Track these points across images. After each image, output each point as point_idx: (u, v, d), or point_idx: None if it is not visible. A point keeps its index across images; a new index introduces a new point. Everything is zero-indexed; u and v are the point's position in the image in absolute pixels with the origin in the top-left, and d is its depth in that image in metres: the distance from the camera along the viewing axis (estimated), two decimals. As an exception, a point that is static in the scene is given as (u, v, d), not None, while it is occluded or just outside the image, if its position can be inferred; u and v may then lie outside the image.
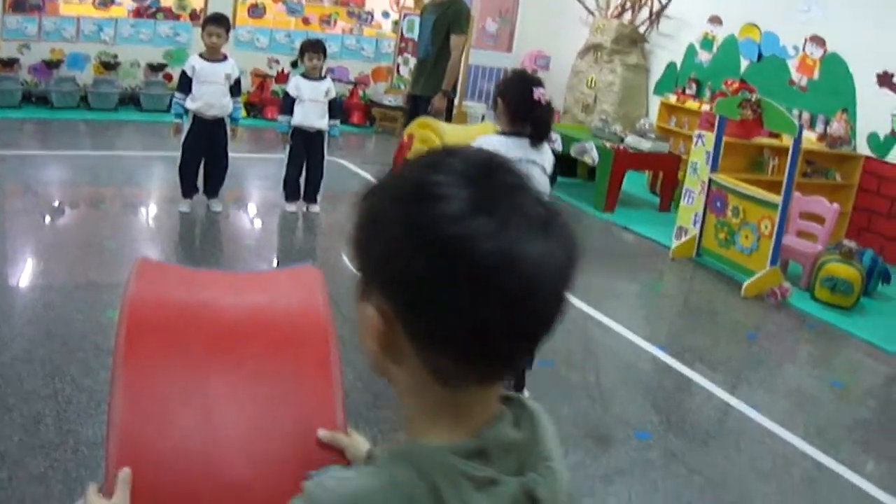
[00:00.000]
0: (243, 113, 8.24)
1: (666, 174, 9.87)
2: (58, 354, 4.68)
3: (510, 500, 1.03)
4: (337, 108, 7.79)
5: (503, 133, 4.27)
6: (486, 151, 1.08)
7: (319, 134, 7.53)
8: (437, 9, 8.28)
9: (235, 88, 7.39)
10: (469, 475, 1.02)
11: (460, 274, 0.96)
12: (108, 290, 5.68)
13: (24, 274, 6.00)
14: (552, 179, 4.45)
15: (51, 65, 12.96)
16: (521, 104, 4.20)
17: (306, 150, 7.56)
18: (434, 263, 0.97)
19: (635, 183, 10.69)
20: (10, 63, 12.65)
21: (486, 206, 0.98)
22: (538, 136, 4.25)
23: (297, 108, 7.39)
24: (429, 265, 0.97)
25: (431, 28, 8.28)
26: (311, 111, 7.38)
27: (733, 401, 4.95)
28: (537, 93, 4.18)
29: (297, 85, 7.45)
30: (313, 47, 7.53)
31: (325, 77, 7.60)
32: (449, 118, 8.34)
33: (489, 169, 1.04)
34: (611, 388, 5.01)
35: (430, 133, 7.06)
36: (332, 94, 7.55)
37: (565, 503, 1.10)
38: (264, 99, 13.17)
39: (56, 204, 7.83)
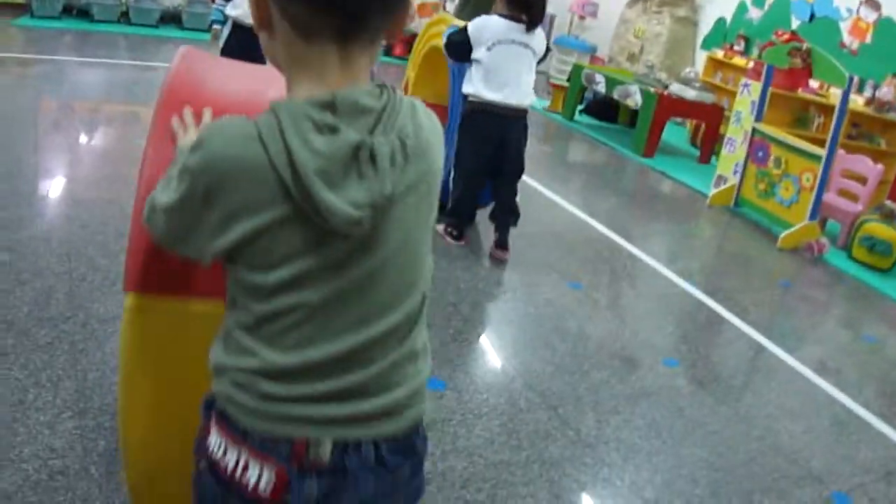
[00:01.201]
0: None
1: (708, 126, 9.69)
2: (76, 236, 4.62)
3: (348, 149, 1.26)
4: None
5: (502, 15, 4.96)
6: None
7: None
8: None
9: None
10: (312, 118, 1.26)
11: None
12: (134, 183, 5.58)
13: (51, 162, 5.94)
14: (541, 59, 5.23)
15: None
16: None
17: None
18: None
19: (676, 135, 10.58)
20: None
21: None
22: (532, 22, 4.94)
23: None
24: None
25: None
26: None
27: (764, 341, 4.83)
28: None
29: None
30: None
31: None
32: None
33: None
34: (640, 315, 4.90)
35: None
36: None
37: (421, 155, 1.36)
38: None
39: (88, 108, 7.76)
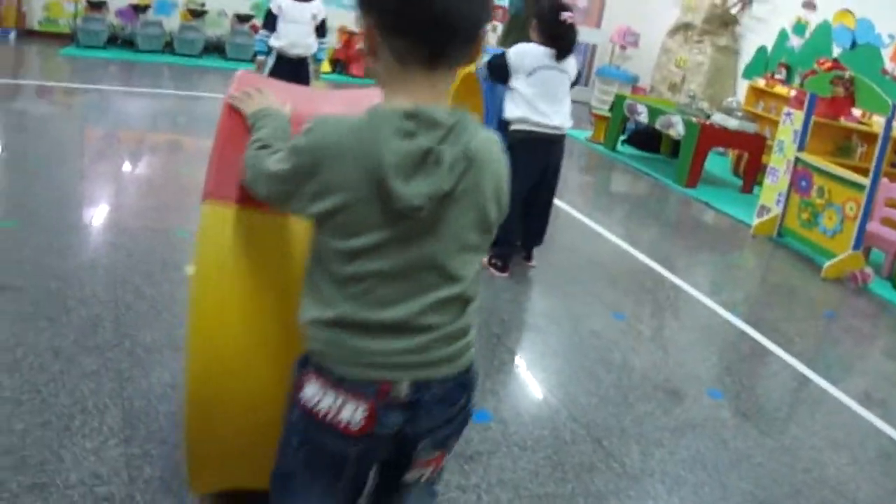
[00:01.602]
0: (327, 67, 8.20)
1: (751, 155, 9.68)
2: (122, 265, 4.73)
3: (420, 152, 1.66)
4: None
5: (539, 43, 5.32)
6: None
7: None
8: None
9: (320, 29, 7.36)
10: (397, 124, 1.66)
11: None
12: (179, 212, 5.74)
13: (96, 190, 6.09)
14: (574, 83, 5.55)
15: (138, 9, 13.11)
16: (551, 25, 5.30)
17: None
18: None
19: (719, 165, 10.56)
20: (98, 5, 12.83)
21: None
22: (563, 50, 5.34)
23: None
24: None
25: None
26: None
27: (809, 372, 4.82)
28: (564, 15, 5.29)
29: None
30: None
31: None
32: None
33: None
34: (684, 346, 4.91)
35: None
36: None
37: (477, 164, 1.75)
38: (350, 55, 13.13)
39: (134, 137, 7.90)
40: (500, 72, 5.39)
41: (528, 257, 5.82)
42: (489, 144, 1.81)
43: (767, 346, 5.08)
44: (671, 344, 4.91)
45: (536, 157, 5.41)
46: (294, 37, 7.18)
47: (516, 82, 5.32)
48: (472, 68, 5.81)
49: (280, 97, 2.30)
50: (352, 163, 1.67)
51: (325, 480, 1.89)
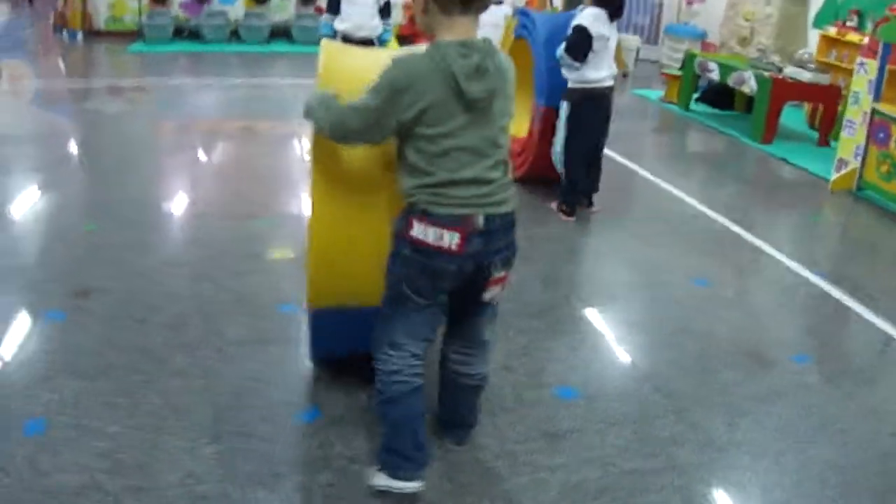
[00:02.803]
0: (395, 45, 8.26)
1: (826, 107, 9.53)
2: (203, 259, 4.90)
3: (474, 65, 2.64)
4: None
5: (595, 3, 5.81)
6: None
7: None
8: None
9: (385, 10, 7.40)
10: (457, 50, 2.64)
11: None
12: (256, 202, 5.88)
13: (175, 189, 6.24)
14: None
15: (202, 0, 13.25)
16: None
17: None
18: None
19: (794, 118, 10.42)
20: (162, 0, 13.01)
21: None
22: (618, 11, 5.91)
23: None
24: None
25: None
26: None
27: (893, 331, 4.79)
28: None
29: None
30: None
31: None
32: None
33: None
34: (768, 310, 4.91)
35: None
36: None
37: (503, 72, 2.78)
38: (415, 31, 13.14)
39: (207, 129, 8.04)
40: (582, 47, 5.72)
41: (591, 203, 6.32)
42: (507, 61, 2.86)
43: (851, 305, 5.06)
44: (754, 308, 4.91)
45: (599, 111, 5.95)
46: (358, 19, 7.23)
47: None
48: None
49: (357, 54, 3.67)
50: (432, 76, 2.65)
51: (429, 293, 2.86)
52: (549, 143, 6.20)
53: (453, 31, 2.69)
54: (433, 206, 2.72)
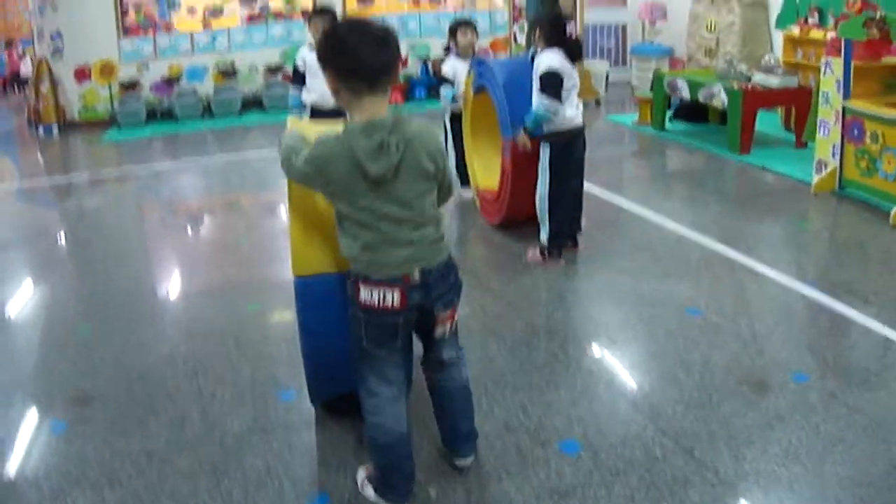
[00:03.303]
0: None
1: (798, 109, 9.56)
2: (200, 352, 4.89)
3: (377, 144, 2.92)
4: None
5: (557, 49, 5.81)
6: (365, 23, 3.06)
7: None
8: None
9: None
10: (362, 131, 2.94)
11: (345, 52, 2.95)
12: (245, 287, 5.90)
13: (165, 279, 6.29)
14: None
15: (171, 81, 13.45)
16: (560, 30, 5.96)
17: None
18: (337, 52, 2.98)
19: (769, 122, 10.46)
20: (132, 84, 13.25)
21: (355, 33, 2.98)
22: (575, 56, 5.93)
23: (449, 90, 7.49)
24: (335, 52, 2.98)
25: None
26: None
27: (890, 332, 4.78)
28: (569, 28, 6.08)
29: (453, 67, 7.47)
30: (466, 24, 7.64)
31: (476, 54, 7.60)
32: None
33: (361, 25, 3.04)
34: (763, 331, 4.88)
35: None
36: None
37: (410, 142, 3.02)
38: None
39: (191, 211, 8.07)
40: (556, 88, 5.77)
41: (576, 243, 6.36)
42: (420, 128, 3.10)
43: (845, 312, 5.05)
44: (749, 331, 4.89)
45: (577, 149, 6.01)
46: (323, 88, 7.22)
47: None
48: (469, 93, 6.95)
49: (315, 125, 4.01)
50: (340, 160, 2.97)
51: (387, 344, 3.18)
52: (523, 176, 6.25)
53: (362, 110, 2.99)
54: (372, 269, 3.07)
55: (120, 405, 4.32)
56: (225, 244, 7.04)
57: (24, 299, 6.01)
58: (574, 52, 5.91)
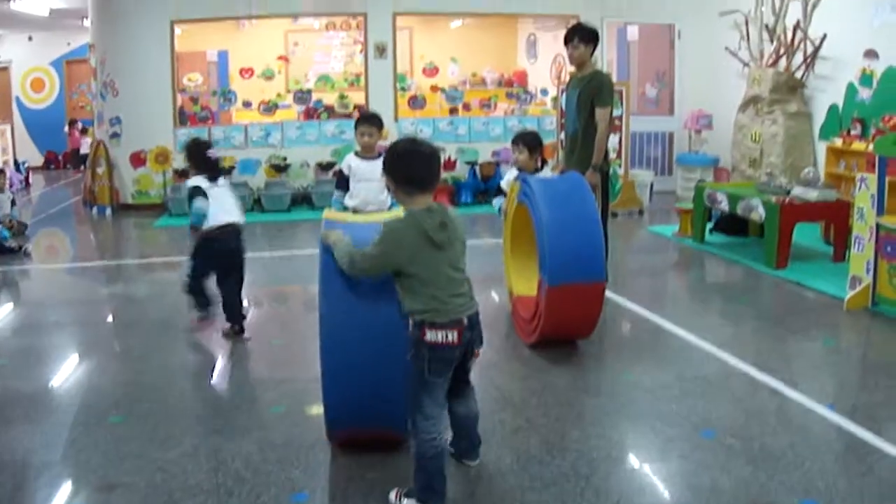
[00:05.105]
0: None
1: (837, 223, 9.52)
2: (222, 449, 4.98)
3: (439, 222, 4.00)
4: None
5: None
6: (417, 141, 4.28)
7: None
8: (580, 83, 8.14)
9: None
10: (424, 213, 4.01)
11: (402, 166, 4.13)
12: (271, 387, 5.97)
13: (199, 373, 6.42)
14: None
15: (223, 171, 13.70)
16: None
17: None
18: (396, 165, 4.15)
19: (809, 234, 10.40)
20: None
21: (408, 152, 4.18)
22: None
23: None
24: (395, 166, 4.16)
25: (576, 103, 8.19)
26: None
27: (910, 460, 4.71)
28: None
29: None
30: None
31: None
32: (605, 190, 8.21)
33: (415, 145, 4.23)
34: (775, 455, 4.79)
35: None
36: None
37: (454, 220, 4.11)
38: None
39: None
40: None
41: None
42: (455, 213, 4.15)
43: (864, 437, 4.97)
44: (761, 454, 4.81)
45: None
46: (366, 194, 7.39)
47: None
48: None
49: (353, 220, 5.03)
50: (412, 232, 3.95)
51: (444, 373, 4.09)
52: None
53: (416, 202, 4.06)
54: (437, 317, 3.98)
55: (142, 495, 4.42)
56: (260, 344, 7.11)
57: (62, 380, 6.23)
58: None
